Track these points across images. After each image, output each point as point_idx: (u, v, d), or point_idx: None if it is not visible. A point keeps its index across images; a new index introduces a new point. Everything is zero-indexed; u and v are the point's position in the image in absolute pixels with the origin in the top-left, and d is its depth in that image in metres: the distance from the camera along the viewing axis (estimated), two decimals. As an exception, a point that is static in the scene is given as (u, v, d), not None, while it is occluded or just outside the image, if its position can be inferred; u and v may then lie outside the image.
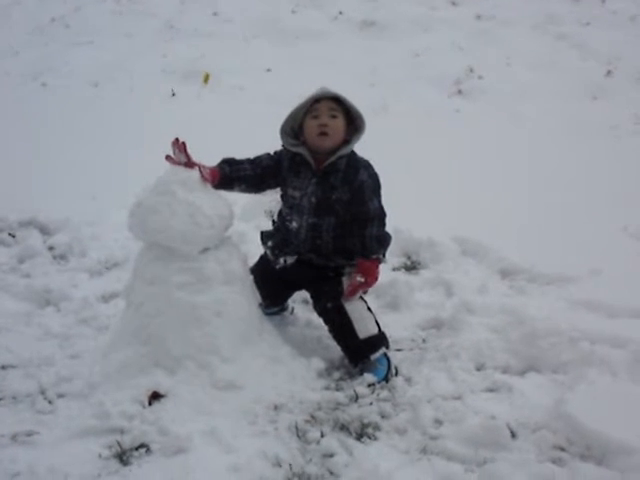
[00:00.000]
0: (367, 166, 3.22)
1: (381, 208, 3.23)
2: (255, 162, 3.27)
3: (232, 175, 3.20)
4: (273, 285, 3.44)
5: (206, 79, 8.15)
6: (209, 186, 3.08)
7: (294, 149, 3.22)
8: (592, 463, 2.50)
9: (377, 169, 3.25)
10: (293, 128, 3.24)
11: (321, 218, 3.22)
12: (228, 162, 3.24)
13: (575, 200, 5.04)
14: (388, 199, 3.27)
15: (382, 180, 3.25)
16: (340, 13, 9.15)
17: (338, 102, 3.15)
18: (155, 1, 10.09)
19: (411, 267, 4.24)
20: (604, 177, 5.49)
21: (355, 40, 8.65)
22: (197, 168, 3.06)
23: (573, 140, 6.35)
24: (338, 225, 3.22)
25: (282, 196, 3.36)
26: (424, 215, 4.57)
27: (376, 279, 3.27)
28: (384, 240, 3.26)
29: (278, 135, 3.25)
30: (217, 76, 8.17)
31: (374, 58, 8.18)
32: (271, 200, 4.64)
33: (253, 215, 4.74)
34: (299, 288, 3.53)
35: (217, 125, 6.60)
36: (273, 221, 3.52)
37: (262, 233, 3.49)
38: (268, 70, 8.32)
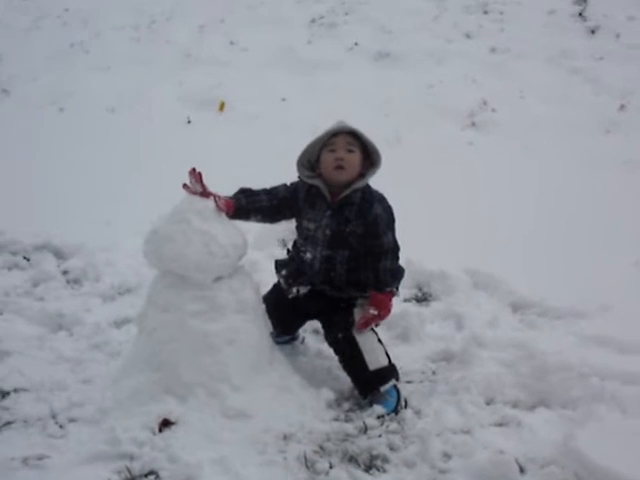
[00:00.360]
0: (381, 199, 3.25)
1: (395, 242, 3.26)
2: (272, 193, 3.30)
3: (248, 206, 3.24)
4: (285, 314, 3.46)
5: (222, 107, 8.22)
6: (224, 216, 3.12)
7: (310, 181, 3.25)
8: (600, 500, 2.51)
9: (389, 200, 3.28)
10: (310, 160, 3.27)
11: (335, 250, 3.24)
12: (244, 193, 3.27)
13: (587, 234, 5.04)
14: (400, 230, 3.29)
15: (395, 211, 3.27)
16: (355, 44, 9.23)
17: (355, 137, 3.19)
18: (173, 29, 10.21)
19: (422, 299, 4.25)
20: (617, 211, 5.49)
21: (370, 71, 8.71)
22: (212, 198, 3.10)
23: (586, 174, 6.36)
24: (352, 258, 3.25)
25: (297, 227, 3.39)
26: (436, 247, 4.59)
27: (389, 312, 3.29)
28: (398, 273, 3.29)
29: (292, 164, 3.28)
30: (233, 104, 8.25)
31: (388, 89, 8.24)
32: (284, 229, 4.68)
33: (266, 244, 4.77)
34: (311, 318, 3.54)
35: (232, 153, 6.66)
36: (288, 250, 3.55)
37: (276, 262, 3.52)
38: (283, 99, 8.39)
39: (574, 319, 3.88)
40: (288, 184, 3.35)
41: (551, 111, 7.61)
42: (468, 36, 9.17)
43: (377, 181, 3.28)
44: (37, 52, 10.41)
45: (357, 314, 3.26)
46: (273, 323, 3.40)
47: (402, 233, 3.30)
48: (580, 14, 9.09)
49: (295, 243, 3.46)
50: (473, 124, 7.65)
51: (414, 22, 9.45)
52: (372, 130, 3.29)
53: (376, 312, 3.22)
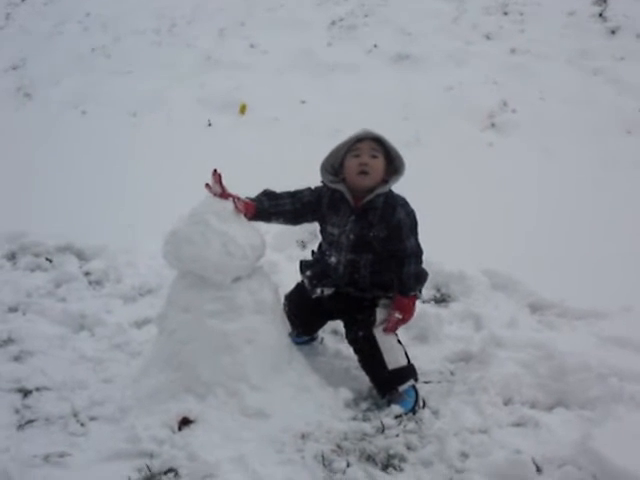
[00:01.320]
0: (404, 204, 3.26)
1: (418, 245, 3.27)
2: (296, 196, 3.33)
3: (270, 209, 3.27)
4: (308, 314, 3.50)
5: (243, 110, 8.24)
6: (242, 217, 3.15)
7: (333, 186, 3.28)
8: (618, 500, 2.50)
9: (408, 201, 3.30)
10: (333, 165, 3.30)
11: (359, 254, 3.26)
12: (268, 195, 3.31)
13: (607, 235, 5.01)
14: (419, 231, 3.30)
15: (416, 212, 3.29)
16: (375, 46, 9.22)
17: (379, 143, 3.21)
18: (194, 33, 10.25)
19: (441, 300, 4.25)
20: (638, 212, 5.45)
21: (389, 73, 8.69)
22: (231, 199, 3.14)
23: (607, 174, 6.32)
24: (376, 261, 3.27)
25: (321, 232, 3.42)
26: (454, 248, 4.57)
27: (412, 315, 3.31)
28: (421, 277, 3.31)
29: (311, 166, 3.31)
30: (253, 107, 8.27)
31: (408, 91, 8.22)
32: (303, 231, 4.70)
33: (285, 245, 4.79)
34: (333, 317, 3.56)
35: (252, 155, 6.68)
36: (312, 252, 3.57)
37: (301, 262, 3.54)
38: (302, 102, 8.40)
39: (594, 320, 3.87)
40: (312, 188, 3.37)
41: (571, 112, 7.56)
42: (488, 37, 9.14)
43: (397, 182, 3.29)
44: (59, 57, 10.50)
45: (379, 313, 3.29)
46: (294, 323, 3.44)
47: (421, 234, 3.31)
48: (600, 14, 9.04)
49: (320, 246, 3.48)
50: (493, 125, 7.62)
51: (434, 24, 9.43)
52: (391, 132, 3.31)
53: (401, 316, 3.24)
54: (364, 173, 3.19)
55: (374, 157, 3.20)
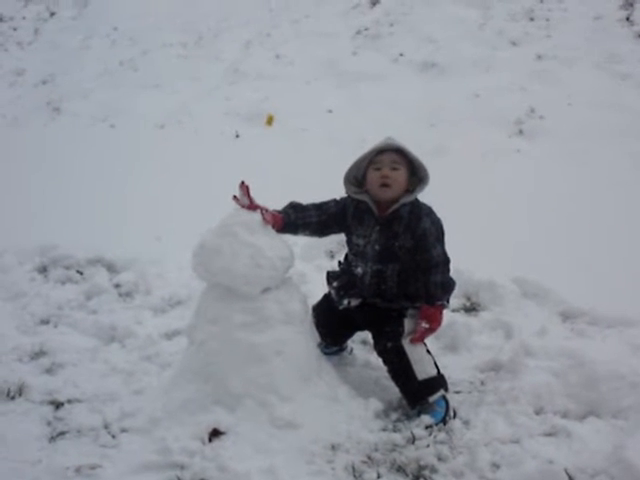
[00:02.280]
0: (429, 213, 3.25)
1: (444, 254, 3.25)
2: (322, 208, 3.33)
3: (297, 221, 3.28)
4: (335, 325, 3.49)
5: (270, 121, 8.28)
6: (270, 228, 3.16)
7: (357, 197, 3.28)
8: (651, 511, 2.47)
9: (437, 209, 3.28)
10: (356, 177, 3.30)
11: (385, 265, 3.25)
12: (294, 207, 3.31)
13: (638, 241, 4.96)
14: (448, 240, 3.28)
15: (442, 221, 3.26)
16: (401, 55, 9.24)
17: (401, 154, 3.20)
18: (220, 46, 10.34)
19: (470, 308, 4.23)
20: (669, 218, 5.39)
21: (416, 81, 8.70)
22: (259, 211, 3.15)
23: (636, 180, 6.27)
24: (402, 271, 3.25)
25: (347, 242, 3.41)
26: (484, 256, 4.55)
27: (440, 325, 3.28)
28: (448, 286, 3.28)
29: (339, 176, 3.31)
30: (280, 118, 8.32)
31: (434, 99, 8.22)
32: (331, 241, 4.70)
33: (313, 256, 4.79)
34: (361, 329, 3.55)
35: (280, 166, 6.70)
36: (339, 262, 3.57)
37: (328, 273, 3.53)
38: (329, 111, 8.43)
39: (625, 328, 3.82)
40: (337, 199, 3.37)
41: (600, 117, 7.51)
42: (514, 43, 9.11)
43: (424, 190, 3.28)
44: (87, 71, 10.64)
45: (407, 324, 3.26)
46: (322, 334, 3.43)
47: (450, 243, 3.29)
48: (627, 19, 8.98)
49: (346, 256, 3.48)
50: (521, 132, 7.59)
51: (459, 31, 9.43)
52: (418, 140, 3.30)
53: (428, 325, 3.22)
54: (385, 186, 3.19)
55: (395, 169, 3.19)
